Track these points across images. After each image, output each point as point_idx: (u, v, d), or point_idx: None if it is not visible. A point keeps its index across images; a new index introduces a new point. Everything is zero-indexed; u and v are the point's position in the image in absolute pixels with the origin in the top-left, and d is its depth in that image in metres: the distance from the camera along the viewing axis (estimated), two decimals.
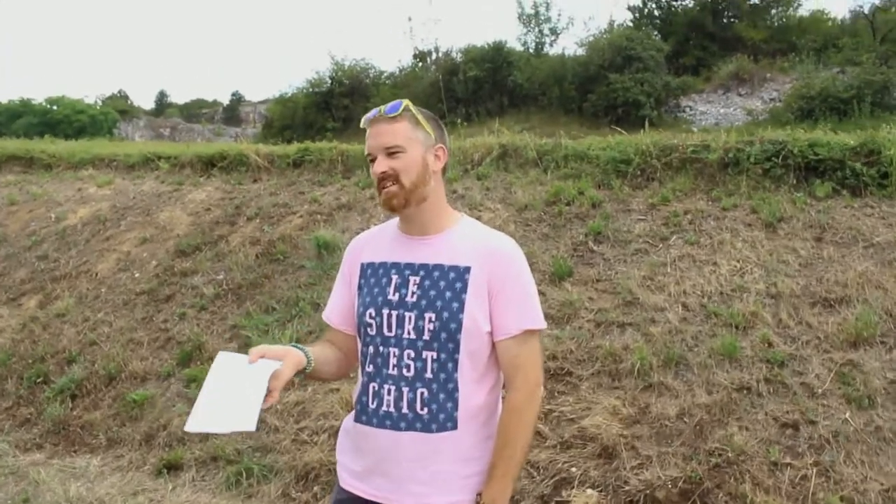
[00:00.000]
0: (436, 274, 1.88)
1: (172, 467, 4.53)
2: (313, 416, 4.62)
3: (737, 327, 4.45)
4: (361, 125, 1.92)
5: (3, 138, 16.11)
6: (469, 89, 21.26)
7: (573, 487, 3.70)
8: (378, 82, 24.61)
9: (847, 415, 3.78)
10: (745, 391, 4.03)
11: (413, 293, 1.88)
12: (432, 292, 1.86)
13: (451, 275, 1.87)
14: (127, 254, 7.37)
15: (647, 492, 3.56)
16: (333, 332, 2.08)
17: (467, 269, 1.86)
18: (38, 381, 5.80)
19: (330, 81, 23.53)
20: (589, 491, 3.70)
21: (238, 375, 1.72)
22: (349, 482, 2.00)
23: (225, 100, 48.97)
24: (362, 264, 2.01)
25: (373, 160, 1.88)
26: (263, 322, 5.59)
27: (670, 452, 3.76)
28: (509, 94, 21.18)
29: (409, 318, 1.87)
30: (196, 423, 1.65)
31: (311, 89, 23.74)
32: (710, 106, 19.85)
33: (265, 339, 5.33)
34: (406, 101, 1.89)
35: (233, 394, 1.68)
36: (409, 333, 1.86)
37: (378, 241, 2.03)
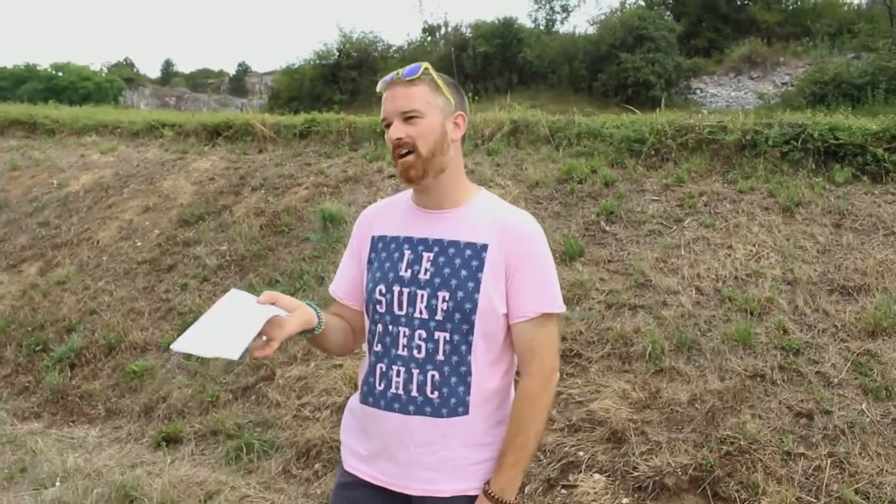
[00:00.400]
0: (451, 251, 1.77)
1: (171, 440, 4.47)
2: (315, 392, 4.54)
3: (751, 313, 4.34)
4: (378, 89, 1.80)
5: (7, 103, 15.94)
6: (478, 65, 21.03)
7: (580, 472, 3.63)
8: (386, 56, 24.36)
9: (863, 406, 3.69)
10: (758, 378, 3.94)
11: (426, 270, 1.78)
12: (447, 270, 1.76)
13: (468, 252, 1.76)
14: (129, 222, 7.27)
15: (657, 478, 3.47)
16: (340, 307, 1.97)
17: (484, 247, 1.76)
18: (38, 349, 5.74)
19: (338, 54, 23.27)
20: (596, 476, 3.62)
21: (240, 311, 1.63)
22: (354, 465, 1.91)
23: (231, 70, 48.51)
24: (373, 237, 1.90)
25: (388, 125, 1.76)
26: None
27: (681, 439, 3.67)
28: (519, 71, 20.97)
29: (422, 296, 1.76)
30: (183, 343, 1.56)
31: (318, 61, 23.50)
32: (721, 89, 19.63)
33: None
34: (425, 64, 1.77)
35: (227, 325, 1.59)
36: (420, 313, 1.76)
37: (390, 214, 1.92)
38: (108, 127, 10.35)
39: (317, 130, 8.27)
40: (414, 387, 1.76)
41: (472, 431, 1.78)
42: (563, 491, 3.56)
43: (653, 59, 18.48)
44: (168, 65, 50.93)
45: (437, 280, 1.75)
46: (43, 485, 4.04)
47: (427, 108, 1.73)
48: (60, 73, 33.62)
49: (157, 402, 4.85)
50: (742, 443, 3.55)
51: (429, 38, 25.47)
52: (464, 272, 1.74)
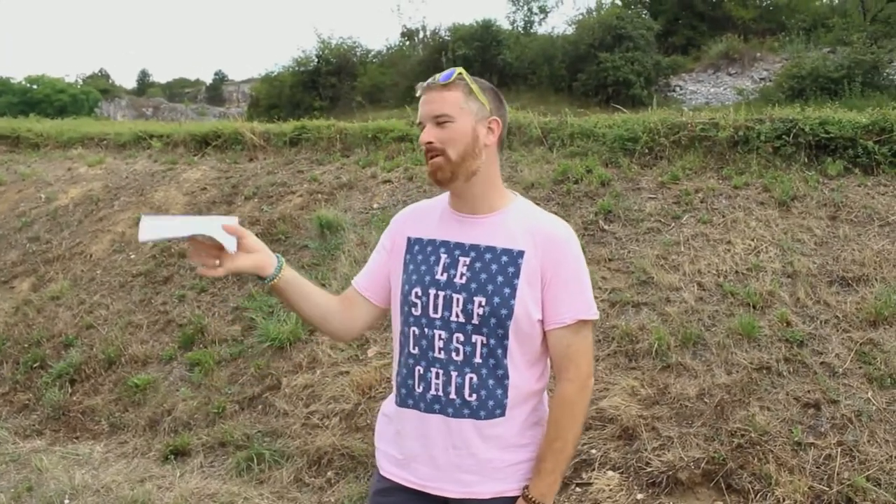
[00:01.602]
0: (487, 256, 1.79)
1: (179, 453, 4.44)
2: (323, 400, 4.53)
3: (754, 307, 4.39)
4: (416, 94, 1.82)
5: None
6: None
7: (594, 469, 3.66)
8: (365, 61, 24.29)
9: (869, 394, 3.75)
10: (764, 371, 3.99)
11: (462, 274, 1.79)
12: (483, 275, 1.77)
13: (504, 258, 1.78)
14: (122, 234, 7.21)
15: (670, 473, 3.51)
16: (354, 294, 1.95)
17: (521, 254, 1.77)
18: (35, 365, 5.67)
19: (317, 60, 23.12)
20: (610, 473, 3.65)
21: (201, 223, 1.65)
22: (389, 470, 1.92)
23: (208, 79, 48.33)
24: (409, 238, 1.91)
25: (423, 128, 1.79)
26: (267, 304, 5.47)
27: (692, 433, 3.71)
28: (499, 73, 20.95)
29: (458, 300, 1.77)
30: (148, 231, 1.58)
31: (297, 68, 23.34)
32: (699, 85, 19.78)
33: (270, 320, 5.23)
34: (460, 69, 1.78)
35: (180, 224, 1.63)
36: (457, 316, 1.77)
37: (427, 216, 1.93)
38: (93, 139, 10.24)
39: (307, 137, 8.24)
40: (452, 389, 1.77)
41: (510, 433, 1.80)
42: (578, 489, 3.59)
43: (632, 58, 18.56)
44: (144, 75, 50.76)
45: (473, 285, 1.77)
46: (52, 503, 4.00)
47: (458, 113, 1.75)
48: (35, 86, 33.22)
49: (162, 416, 4.82)
50: (752, 435, 3.59)
51: (407, 43, 25.45)
52: (500, 278, 1.76)
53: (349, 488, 3.84)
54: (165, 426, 4.73)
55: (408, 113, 9.30)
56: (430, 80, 1.79)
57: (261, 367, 4.91)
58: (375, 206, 6.50)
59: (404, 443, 1.87)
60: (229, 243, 1.64)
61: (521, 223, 1.81)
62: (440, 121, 1.75)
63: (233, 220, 1.67)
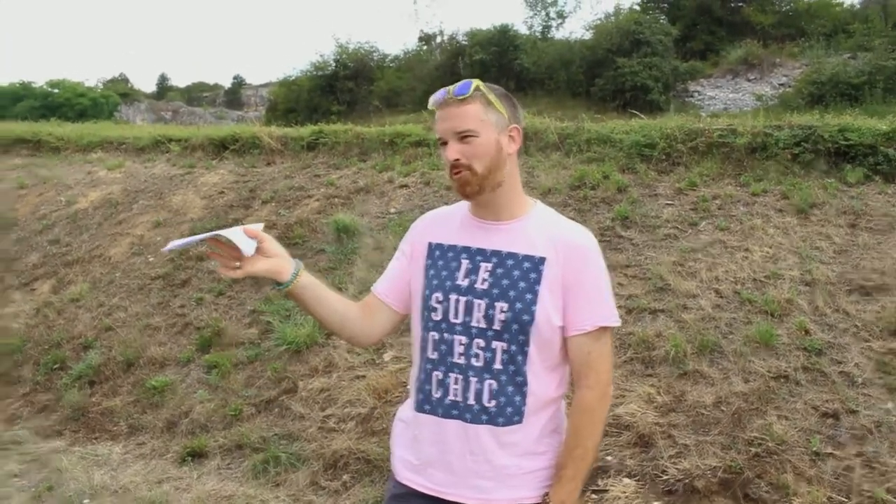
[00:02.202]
0: (509, 262, 1.79)
1: (196, 455, 4.47)
2: (339, 404, 4.55)
3: (772, 314, 4.37)
4: (429, 107, 1.81)
5: (4, 121, 15.92)
6: (475, 73, 21.04)
7: (609, 476, 3.64)
8: (383, 65, 24.39)
9: (889, 405, 3.71)
10: (782, 379, 3.96)
11: (484, 280, 1.78)
12: (505, 281, 1.77)
13: (526, 264, 1.77)
14: (140, 238, 7.29)
15: (686, 481, 3.49)
16: (374, 300, 1.95)
17: (542, 260, 1.77)
18: (55, 367, 5.74)
19: (334, 64, 23.27)
20: (626, 480, 3.64)
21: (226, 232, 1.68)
22: (405, 476, 1.91)
23: (226, 83, 48.68)
24: (430, 244, 1.91)
25: (444, 144, 1.77)
26: (284, 308, 5.50)
27: (708, 441, 3.69)
28: (516, 78, 20.98)
29: (479, 305, 1.77)
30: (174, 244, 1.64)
31: (315, 72, 23.49)
32: (718, 91, 19.70)
33: (286, 324, 5.26)
34: (476, 81, 1.77)
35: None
36: (478, 322, 1.77)
37: (448, 223, 1.92)
38: (113, 143, 10.37)
39: (325, 142, 8.29)
40: (471, 395, 1.77)
41: (527, 440, 1.80)
42: (594, 496, 3.57)
43: (650, 64, 18.51)
44: (163, 79, 51.16)
45: (495, 291, 1.76)
46: (71, 503, 4.04)
47: (481, 127, 1.74)
48: (56, 90, 33.53)
49: (179, 417, 4.85)
50: (770, 444, 3.57)
51: (425, 47, 25.53)
52: (522, 284, 1.76)
53: (365, 492, 3.85)
54: (183, 428, 4.76)
55: (425, 117, 9.34)
56: (444, 94, 1.77)
57: (277, 371, 4.94)
58: (392, 210, 6.52)
59: (421, 448, 1.86)
60: (246, 246, 1.66)
61: (543, 230, 1.81)
62: (464, 136, 1.74)
63: (258, 226, 1.69)
